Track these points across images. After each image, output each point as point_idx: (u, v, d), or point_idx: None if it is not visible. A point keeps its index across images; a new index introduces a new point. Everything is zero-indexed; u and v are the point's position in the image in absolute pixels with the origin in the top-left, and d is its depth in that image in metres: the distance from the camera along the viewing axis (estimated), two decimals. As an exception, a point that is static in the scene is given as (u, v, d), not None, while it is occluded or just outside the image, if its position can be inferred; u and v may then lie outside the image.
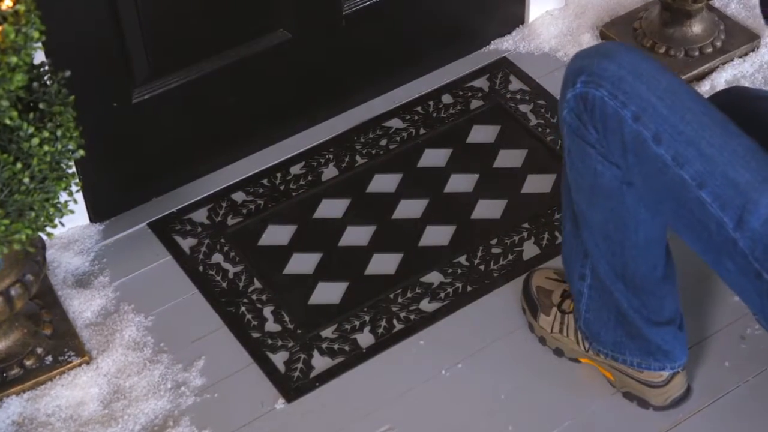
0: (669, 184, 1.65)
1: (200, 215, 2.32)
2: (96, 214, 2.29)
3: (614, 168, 1.71)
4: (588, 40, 2.61)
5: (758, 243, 1.60)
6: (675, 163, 1.62)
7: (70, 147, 1.75)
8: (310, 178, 2.38)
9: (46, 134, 1.71)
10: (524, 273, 2.18)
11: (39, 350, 2.05)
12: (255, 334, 2.12)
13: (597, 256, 1.83)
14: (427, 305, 2.16)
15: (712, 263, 1.71)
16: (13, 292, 1.92)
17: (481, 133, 2.47)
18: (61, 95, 1.77)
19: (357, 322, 2.13)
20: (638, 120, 1.63)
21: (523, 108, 2.51)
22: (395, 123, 2.49)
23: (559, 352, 2.05)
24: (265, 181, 2.38)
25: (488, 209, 2.32)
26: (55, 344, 2.07)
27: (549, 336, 2.05)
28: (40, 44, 1.69)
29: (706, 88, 2.50)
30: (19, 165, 1.69)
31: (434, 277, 2.20)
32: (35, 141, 1.69)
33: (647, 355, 1.92)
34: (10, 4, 1.66)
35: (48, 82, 1.76)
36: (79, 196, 2.21)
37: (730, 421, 1.97)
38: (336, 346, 2.10)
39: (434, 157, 2.42)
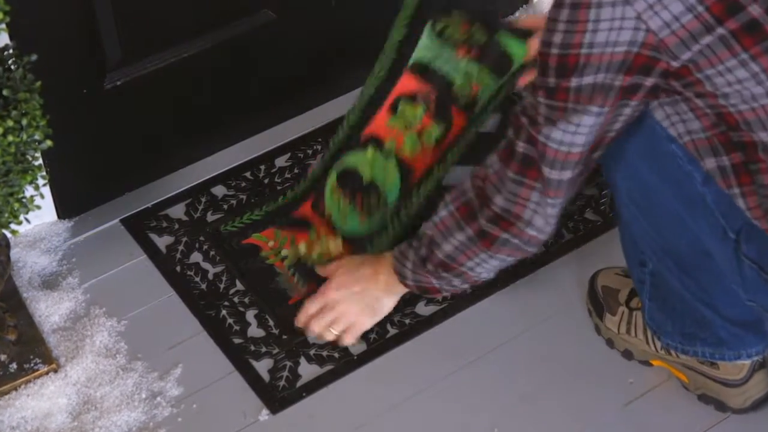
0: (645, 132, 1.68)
1: (177, 211, 2.32)
2: (64, 209, 2.30)
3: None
4: (598, 21, 2.60)
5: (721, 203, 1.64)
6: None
7: (37, 137, 1.75)
8: (296, 171, 2.38)
9: (10, 123, 1.71)
10: (527, 274, 2.19)
11: (2, 357, 2.05)
12: (237, 340, 2.12)
13: (640, 233, 1.85)
14: (423, 308, 2.16)
15: (689, 223, 1.73)
16: (-26, 295, 1.92)
17: (482, 122, 2.47)
18: (27, 81, 1.77)
19: (347, 327, 2.13)
20: None
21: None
22: (389, 111, 2.49)
23: (628, 354, 2.06)
24: (247, 174, 2.38)
25: (489, 205, 2.32)
26: (19, 351, 2.07)
27: (617, 337, 2.06)
28: (3, 26, 1.70)
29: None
30: (-20, 157, 1.69)
31: (431, 278, 2.20)
32: (-2, 131, 1.69)
33: (720, 344, 1.92)
34: (-29, -18, 1.66)
35: (12, 67, 1.76)
36: (46, 191, 2.21)
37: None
38: (325, 353, 2.10)
39: (431, 148, 2.43)
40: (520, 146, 1.69)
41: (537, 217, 1.74)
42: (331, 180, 2.22)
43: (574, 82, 1.57)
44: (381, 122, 2.23)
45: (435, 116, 2.20)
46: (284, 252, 2.20)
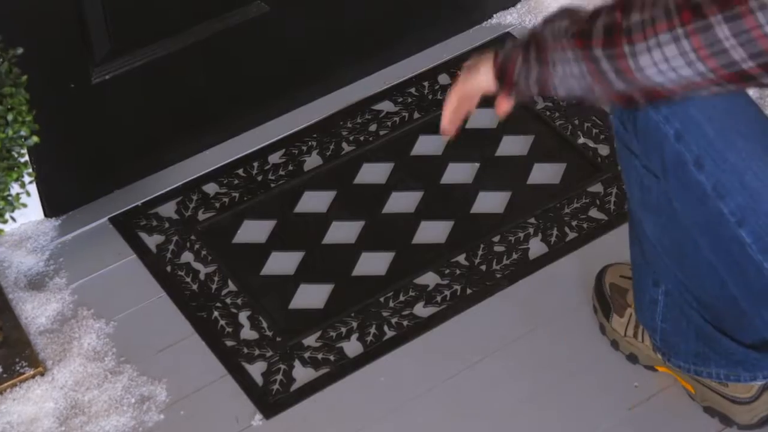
0: (707, 216, 1.64)
1: (168, 209, 2.32)
2: (51, 208, 2.29)
3: (660, 181, 1.70)
4: (601, 13, 2.60)
5: None
6: (715, 194, 1.61)
7: (23, 133, 1.75)
8: (290, 168, 2.38)
9: (-5, 119, 1.70)
10: (529, 274, 2.19)
11: (-13, 360, 2.05)
12: (229, 343, 2.12)
13: (661, 267, 1.83)
14: (421, 310, 2.16)
15: (749, 310, 1.70)
16: (-42, 296, 1.92)
17: (482, 118, 2.47)
18: (13, 75, 1.76)
19: (343, 329, 2.13)
20: (681, 139, 1.61)
21: (529, 89, 2.51)
22: (386, 106, 2.49)
23: (633, 358, 2.05)
24: (240, 171, 2.38)
25: (490, 202, 2.32)
26: (5, 353, 2.06)
27: (622, 340, 2.05)
28: (-12, 18, 1.69)
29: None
30: (-36, 153, 1.69)
31: (430, 279, 2.20)
32: (-17, 126, 1.69)
33: (735, 365, 1.90)
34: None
35: (-3, 61, 1.76)
36: (33, 188, 2.20)
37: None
38: (320, 356, 2.10)
39: (430, 145, 2.43)
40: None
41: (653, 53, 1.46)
42: None
43: None
44: None
45: None
46: None
